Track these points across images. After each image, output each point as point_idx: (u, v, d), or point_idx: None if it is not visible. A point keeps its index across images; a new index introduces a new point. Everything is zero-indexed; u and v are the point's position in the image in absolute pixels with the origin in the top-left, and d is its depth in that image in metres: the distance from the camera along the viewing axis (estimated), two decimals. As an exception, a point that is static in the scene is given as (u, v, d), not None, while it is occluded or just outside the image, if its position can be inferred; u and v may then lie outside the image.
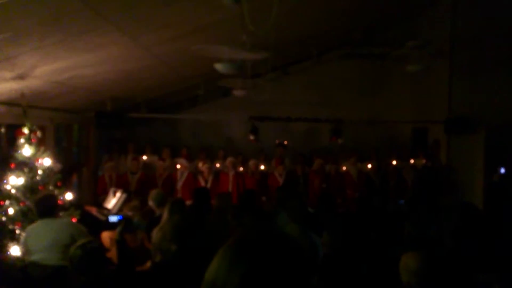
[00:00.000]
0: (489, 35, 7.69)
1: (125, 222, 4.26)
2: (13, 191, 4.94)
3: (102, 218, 6.71)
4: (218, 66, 4.69)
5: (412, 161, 8.81)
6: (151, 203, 5.40)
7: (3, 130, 5.94)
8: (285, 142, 9.91)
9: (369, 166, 8.87)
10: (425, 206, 4.81)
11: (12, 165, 5.01)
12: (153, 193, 5.41)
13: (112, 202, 7.06)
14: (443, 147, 8.65)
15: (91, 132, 8.59)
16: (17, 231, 4.83)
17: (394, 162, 8.81)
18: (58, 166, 5.65)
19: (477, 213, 4.27)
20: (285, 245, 1.07)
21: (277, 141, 9.88)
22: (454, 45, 8.22)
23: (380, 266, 3.47)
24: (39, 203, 4.43)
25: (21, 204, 4.90)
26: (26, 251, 4.39)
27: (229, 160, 8.75)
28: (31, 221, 4.65)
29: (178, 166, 8.66)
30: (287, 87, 10.03)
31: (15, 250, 4.73)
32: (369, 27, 9.27)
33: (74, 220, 5.12)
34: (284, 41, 6.65)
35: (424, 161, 8.67)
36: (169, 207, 4.49)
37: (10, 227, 4.86)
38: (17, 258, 4.67)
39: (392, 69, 9.48)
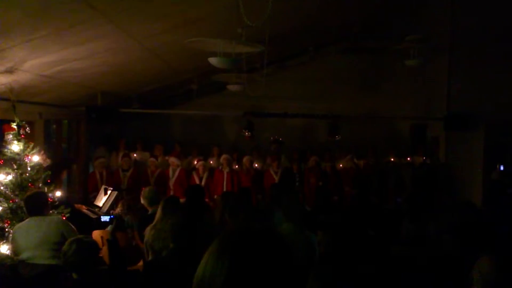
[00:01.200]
0: (489, 30, 7.72)
1: (116, 221, 4.26)
2: (1, 188, 4.92)
3: (93, 216, 6.71)
4: (212, 60, 4.69)
5: (410, 158, 8.85)
6: (143, 201, 5.40)
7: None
8: (280, 139, 9.92)
9: (366, 163, 8.90)
10: (423, 204, 4.86)
11: (1, 161, 4.99)
12: (145, 191, 5.40)
13: (103, 200, 7.05)
14: (442, 144, 8.70)
15: (81, 127, 8.56)
16: (6, 229, 4.82)
17: (392, 159, 8.85)
18: (48, 162, 5.62)
19: (476, 211, 4.32)
20: (269, 241, 1.14)
21: (272, 138, 9.88)
22: (453, 40, 8.25)
23: (378, 264, 3.50)
24: (29, 200, 4.42)
25: (11, 202, 4.88)
26: (15, 249, 4.39)
27: (224, 157, 8.75)
28: (21, 219, 4.64)
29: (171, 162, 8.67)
30: (283, 82, 10.04)
31: (4, 249, 4.72)
32: (368, 21, 9.29)
33: (63, 218, 5.12)
34: (280, 35, 6.65)
35: (422, 158, 8.71)
36: (162, 206, 4.48)
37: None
38: (6, 256, 4.66)
39: (390, 64, 9.51)
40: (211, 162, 9.09)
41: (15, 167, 4.97)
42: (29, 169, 5.06)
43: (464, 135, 8.22)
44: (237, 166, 8.89)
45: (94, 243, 3.31)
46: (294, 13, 6.28)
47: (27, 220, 4.39)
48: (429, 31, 8.05)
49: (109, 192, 7.06)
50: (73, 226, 4.44)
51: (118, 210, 6.14)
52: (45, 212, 4.46)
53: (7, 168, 4.95)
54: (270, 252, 1.09)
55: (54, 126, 7.89)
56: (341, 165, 9.00)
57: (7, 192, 4.91)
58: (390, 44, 8.17)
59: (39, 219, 4.33)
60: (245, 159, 8.84)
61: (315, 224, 4.50)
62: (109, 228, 5.57)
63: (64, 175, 7.03)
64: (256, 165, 8.96)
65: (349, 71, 10.24)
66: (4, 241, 4.78)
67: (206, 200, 7.59)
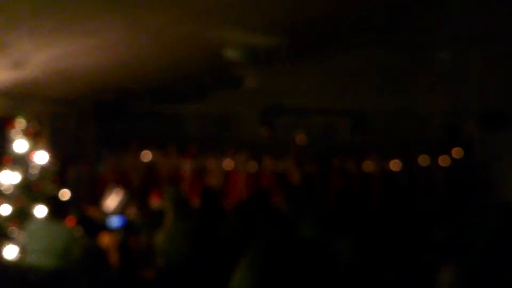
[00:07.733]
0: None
1: (127, 224, 4.27)
2: (7, 188, 5.01)
3: (102, 218, 6.77)
4: (228, 52, 4.68)
5: (442, 158, 8.70)
6: (164, 201, 5.38)
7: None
8: (301, 138, 9.84)
9: (395, 163, 8.78)
10: (457, 208, 4.77)
11: (6, 160, 5.07)
12: (169, 190, 5.39)
13: (112, 201, 7.11)
14: (476, 143, 8.56)
15: (89, 124, 8.63)
16: (13, 231, 4.92)
17: (423, 160, 8.71)
18: (54, 162, 5.70)
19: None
20: (302, 253, 1.13)
21: (292, 137, 9.82)
22: (488, 32, 8.08)
23: (407, 273, 3.44)
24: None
25: (17, 204, 4.98)
26: (22, 252, 4.49)
27: (240, 157, 8.73)
28: (27, 220, 4.74)
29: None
30: (304, 76, 9.96)
31: (11, 251, 4.83)
32: (395, 11, 9.17)
33: (72, 220, 5.18)
34: (300, 26, 6.60)
35: (455, 158, 8.57)
36: (173, 208, 4.48)
37: (6, 227, 4.94)
38: (13, 259, 4.77)
39: (420, 58, 9.35)
40: (227, 162, 9.06)
41: (21, 165, 5.06)
42: (35, 167, 5.14)
43: (499, 133, 8.07)
44: (254, 167, 8.85)
45: (101, 250, 3.34)
46: (316, 2, 6.22)
47: (37, 224, 4.50)
48: (460, 22, 7.91)
49: (118, 193, 7.11)
50: (81, 234, 4.53)
51: (131, 211, 6.17)
52: (57, 218, 4.55)
53: (13, 167, 5.04)
54: (301, 264, 1.10)
55: (61, 123, 7.97)
56: (367, 166, 8.90)
57: (13, 193, 5.00)
58: (418, 36, 8.05)
59: (48, 224, 4.46)
60: (266, 160, 8.79)
61: (339, 228, 4.45)
62: (119, 231, 5.61)
63: (72, 174, 7.10)
64: (280, 166, 8.90)
65: (374, 64, 10.11)
66: (11, 243, 4.88)
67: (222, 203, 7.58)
